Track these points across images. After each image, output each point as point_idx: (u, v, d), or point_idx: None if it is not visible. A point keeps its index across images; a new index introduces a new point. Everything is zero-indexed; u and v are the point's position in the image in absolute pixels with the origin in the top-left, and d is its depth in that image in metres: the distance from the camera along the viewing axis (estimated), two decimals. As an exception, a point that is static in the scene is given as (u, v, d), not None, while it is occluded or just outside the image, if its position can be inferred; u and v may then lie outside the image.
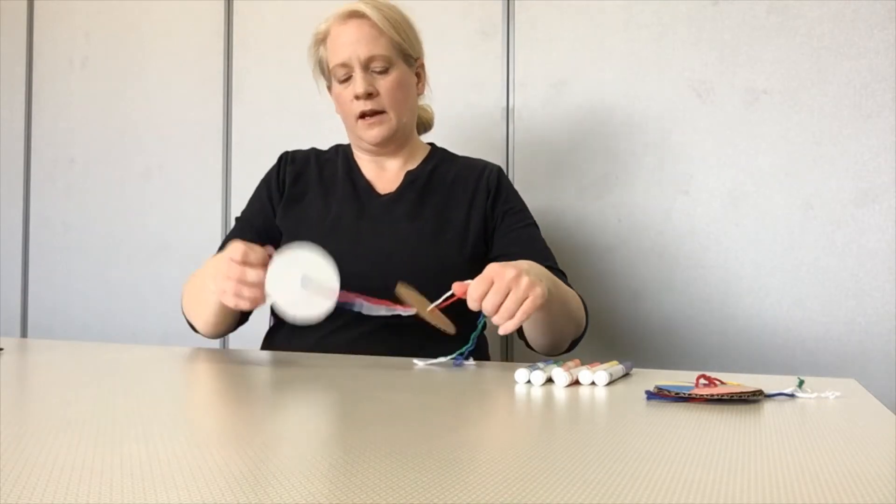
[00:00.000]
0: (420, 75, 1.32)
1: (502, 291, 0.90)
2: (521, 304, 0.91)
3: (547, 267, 1.15)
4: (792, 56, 1.48)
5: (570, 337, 1.17)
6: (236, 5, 1.92)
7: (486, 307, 0.90)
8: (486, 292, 0.91)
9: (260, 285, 0.97)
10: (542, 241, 1.27)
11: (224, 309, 1.13)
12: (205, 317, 1.18)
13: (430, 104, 1.42)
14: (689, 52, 1.54)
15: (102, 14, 2.06)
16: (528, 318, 0.91)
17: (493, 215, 1.27)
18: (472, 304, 0.91)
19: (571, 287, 1.19)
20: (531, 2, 1.65)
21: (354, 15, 1.22)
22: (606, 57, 1.60)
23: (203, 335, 1.24)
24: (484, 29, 1.69)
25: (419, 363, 0.98)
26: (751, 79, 1.50)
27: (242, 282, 0.97)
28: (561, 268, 1.24)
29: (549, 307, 1.00)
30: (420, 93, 1.33)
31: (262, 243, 1.27)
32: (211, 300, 1.12)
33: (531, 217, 1.31)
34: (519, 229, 1.26)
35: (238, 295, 0.97)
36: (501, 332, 0.91)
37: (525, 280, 0.92)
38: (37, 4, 2.15)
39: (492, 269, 0.93)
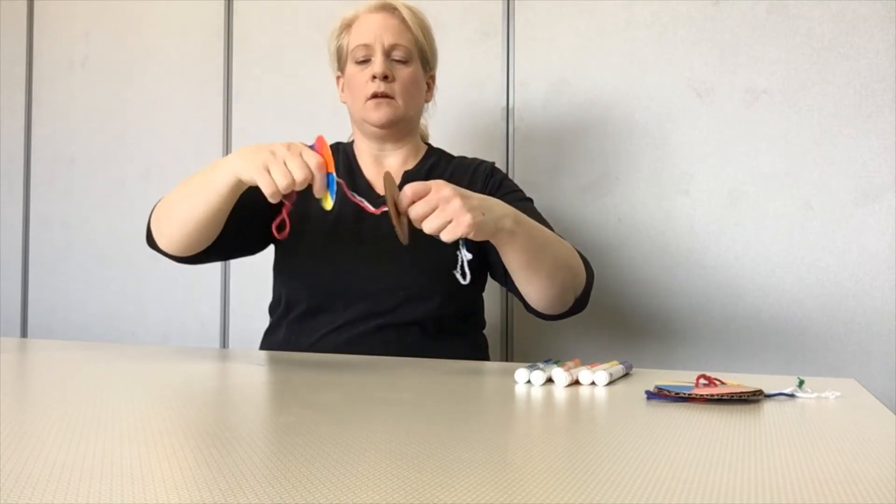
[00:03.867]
0: (430, 85, 1.34)
1: (431, 204, 0.90)
2: (446, 224, 0.90)
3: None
4: (792, 56, 1.48)
5: (565, 284, 1.10)
6: (236, 5, 1.92)
7: (412, 214, 0.91)
8: (419, 199, 0.91)
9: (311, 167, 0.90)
10: (537, 213, 1.24)
11: (220, 202, 1.02)
12: (190, 215, 1.05)
13: (426, 124, 1.43)
14: (689, 52, 1.54)
15: (102, 14, 2.06)
16: (454, 238, 0.91)
17: None
18: (404, 203, 0.91)
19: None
20: (531, 2, 1.65)
21: (387, 7, 1.27)
22: (606, 57, 1.60)
23: (166, 248, 1.13)
24: (484, 29, 1.69)
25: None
26: (751, 79, 1.50)
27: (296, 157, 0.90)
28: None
29: (512, 242, 1.00)
30: (427, 100, 1.34)
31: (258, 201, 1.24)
32: (216, 186, 1.00)
33: (526, 197, 1.29)
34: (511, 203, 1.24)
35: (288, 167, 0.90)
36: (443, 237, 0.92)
37: (456, 203, 0.91)
38: (37, 4, 2.15)
39: (436, 181, 0.93)
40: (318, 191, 0.92)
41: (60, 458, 0.46)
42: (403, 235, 0.92)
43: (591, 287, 1.17)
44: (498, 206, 0.99)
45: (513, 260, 1.05)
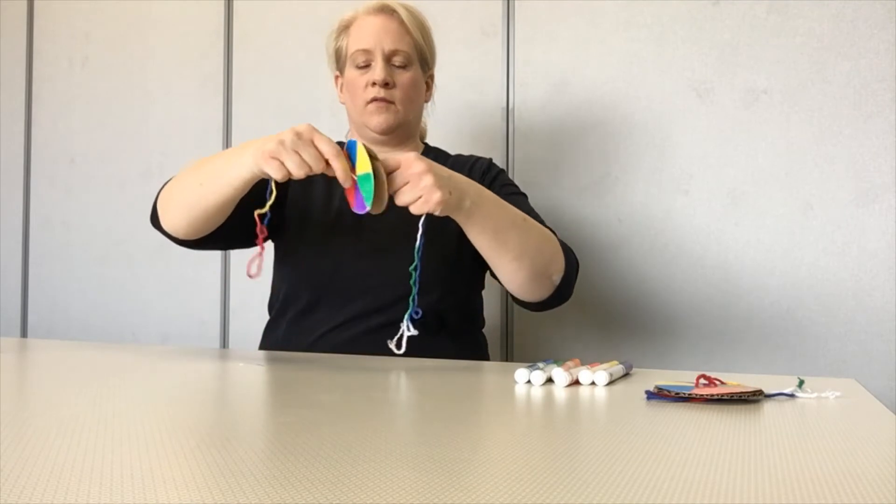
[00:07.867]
0: (429, 85, 1.34)
1: (404, 179, 0.93)
2: (417, 199, 0.93)
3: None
4: (792, 56, 1.48)
5: (535, 268, 1.08)
6: (236, 5, 1.92)
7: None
8: (390, 172, 0.94)
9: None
10: (529, 207, 1.23)
11: (231, 193, 1.02)
12: (199, 202, 1.05)
13: (426, 119, 1.43)
14: (689, 52, 1.54)
15: (102, 14, 2.06)
16: (423, 212, 0.94)
17: None
18: (382, 174, 0.93)
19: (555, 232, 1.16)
20: (531, 2, 1.65)
21: (385, 10, 1.26)
22: (606, 57, 1.60)
23: (169, 230, 1.13)
24: (484, 28, 1.69)
25: (395, 349, 0.97)
26: (751, 79, 1.50)
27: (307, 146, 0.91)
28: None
29: (472, 221, 1.01)
30: (426, 100, 1.34)
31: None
32: (229, 180, 1.00)
33: (521, 192, 1.29)
34: (504, 196, 1.25)
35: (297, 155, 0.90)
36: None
37: (428, 180, 0.92)
38: (37, 4, 2.15)
39: (408, 157, 0.94)
40: (342, 180, 0.92)
41: (60, 458, 0.46)
42: (379, 201, 0.93)
43: (573, 276, 1.15)
44: (463, 184, 0.99)
45: (476, 240, 1.05)
